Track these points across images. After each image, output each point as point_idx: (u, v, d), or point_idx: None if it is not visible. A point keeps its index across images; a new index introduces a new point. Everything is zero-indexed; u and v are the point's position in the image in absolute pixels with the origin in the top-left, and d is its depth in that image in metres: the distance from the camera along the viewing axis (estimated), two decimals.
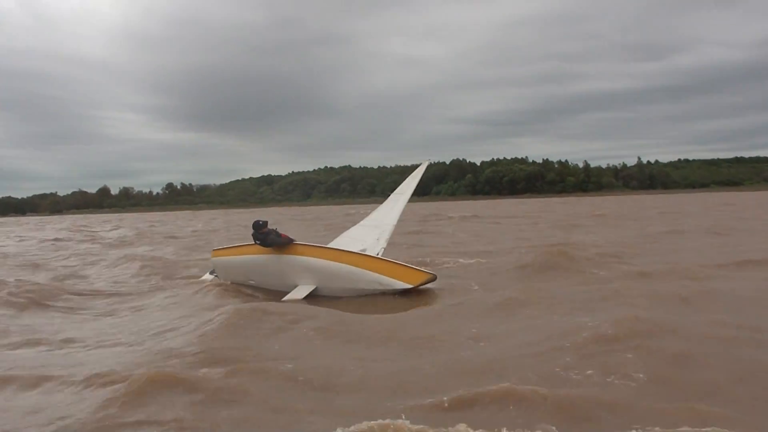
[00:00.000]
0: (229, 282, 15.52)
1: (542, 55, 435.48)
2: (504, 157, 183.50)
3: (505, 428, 5.36)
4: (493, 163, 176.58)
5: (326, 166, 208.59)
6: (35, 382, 7.28)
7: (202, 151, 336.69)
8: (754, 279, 12.29)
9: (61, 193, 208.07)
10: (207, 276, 16.59)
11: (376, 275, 14.01)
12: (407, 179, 18.43)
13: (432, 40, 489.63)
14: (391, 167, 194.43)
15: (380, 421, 5.50)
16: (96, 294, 15.22)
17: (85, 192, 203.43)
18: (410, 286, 13.73)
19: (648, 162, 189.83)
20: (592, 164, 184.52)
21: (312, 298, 13.67)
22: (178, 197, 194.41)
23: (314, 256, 14.66)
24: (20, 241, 39.15)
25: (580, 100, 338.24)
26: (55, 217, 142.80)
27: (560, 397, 5.88)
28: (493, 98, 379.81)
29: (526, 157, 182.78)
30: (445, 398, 6.05)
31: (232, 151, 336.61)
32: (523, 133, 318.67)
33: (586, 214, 45.09)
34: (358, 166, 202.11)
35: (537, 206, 77.09)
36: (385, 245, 15.59)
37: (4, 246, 34.17)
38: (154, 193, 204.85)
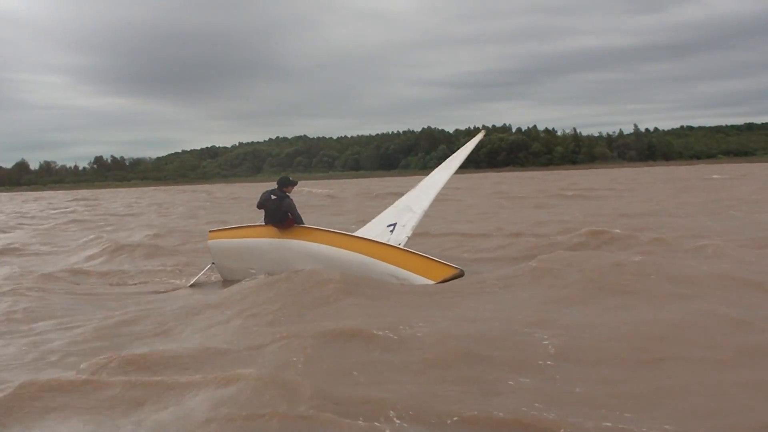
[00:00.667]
0: (228, 278, 15.46)
1: (525, 7, 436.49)
2: (484, 125, 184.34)
3: None
4: (470, 132, 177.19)
5: (278, 136, 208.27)
6: None
7: (135, 120, 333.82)
8: None
9: None
10: (199, 277, 15.97)
11: (391, 267, 13.84)
12: (459, 151, 18.03)
13: None
14: (352, 137, 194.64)
15: None
16: None
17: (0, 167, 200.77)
18: (431, 282, 13.37)
19: (647, 130, 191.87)
20: (583, 132, 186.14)
21: None
22: (108, 173, 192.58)
23: (324, 243, 14.68)
24: None
25: (568, 59, 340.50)
26: None
27: None
28: (469, 57, 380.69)
29: (508, 124, 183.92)
30: None
31: (169, 119, 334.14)
32: (503, 97, 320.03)
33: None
34: (314, 137, 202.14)
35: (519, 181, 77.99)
36: (410, 233, 15.46)
37: None
38: (81, 168, 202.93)
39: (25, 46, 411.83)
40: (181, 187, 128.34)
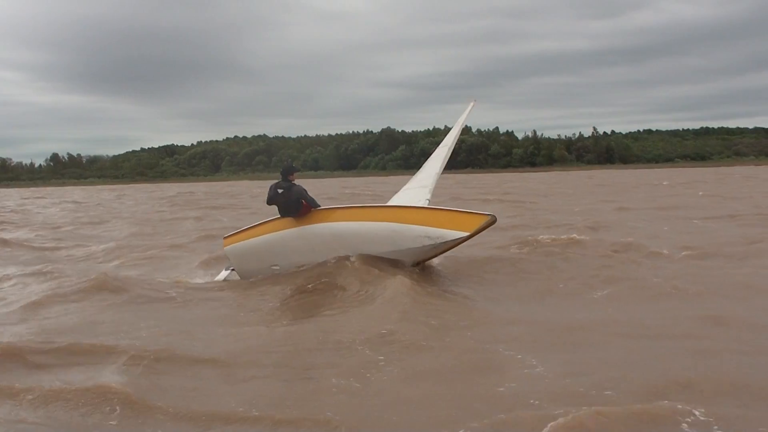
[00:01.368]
0: (249, 279, 14.99)
1: (483, 10, 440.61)
2: (446, 126, 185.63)
3: None
4: (429, 133, 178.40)
5: (237, 136, 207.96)
6: None
7: (93, 117, 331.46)
8: None
9: None
10: (222, 274, 15.78)
11: (422, 228, 13.53)
12: (454, 127, 18.01)
13: None
14: (312, 137, 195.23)
15: None
16: None
17: None
18: (467, 234, 13.28)
19: (605, 133, 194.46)
20: (543, 135, 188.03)
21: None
22: (65, 170, 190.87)
23: (347, 220, 14.30)
24: None
25: (527, 62, 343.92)
26: None
27: None
28: (428, 59, 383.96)
29: (469, 126, 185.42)
30: None
31: (127, 117, 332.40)
32: (462, 99, 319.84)
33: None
34: (274, 136, 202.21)
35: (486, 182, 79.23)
36: (429, 196, 15.69)
37: None
38: (36, 165, 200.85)
39: None
40: (139, 186, 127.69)
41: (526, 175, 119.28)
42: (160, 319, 10.97)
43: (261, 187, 78.53)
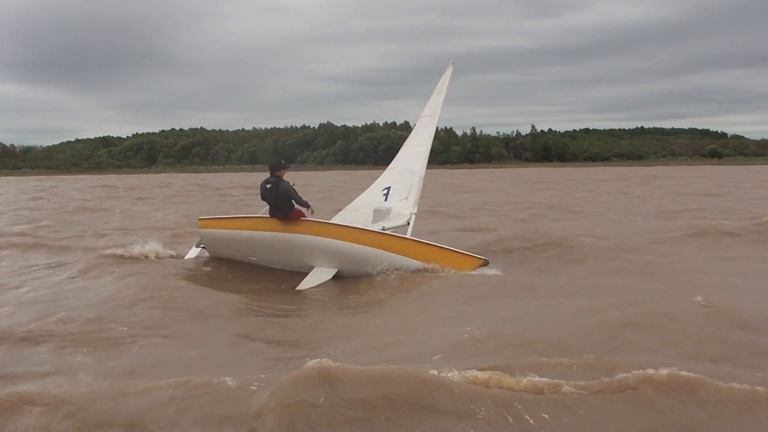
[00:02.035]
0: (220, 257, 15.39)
1: (423, 7, 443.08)
2: (386, 122, 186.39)
3: None
4: (368, 128, 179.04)
5: (174, 128, 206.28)
6: None
7: (26, 107, 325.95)
8: None
9: None
10: (192, 252, 16.03)
11: (418, 263, 13.71)
12: (432, 96, 17.48)
13: None
14: (250, 130, 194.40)
15: None
16: None
17: None
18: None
19: (542, 131, 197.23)
20: (483, 132, 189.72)
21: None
22: None
23: (342, 239, 14.23)
24: None
25: (465, 60, 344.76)
26: None
27: None
28: (367, 54, 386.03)
29: (406, 122, 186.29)
30: None
31: (62, 107, 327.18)
32: (401, 95, 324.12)
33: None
34: (211, 129, 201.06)
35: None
36: (415, 210, 15.45)
37: None
38: None
39: None
40: (74, 177, 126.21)
41: (457, 172, 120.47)
42: None
43: (196, 180, 78.48)
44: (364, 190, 17.61)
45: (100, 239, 21.15)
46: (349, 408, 5.87)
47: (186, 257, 15.90)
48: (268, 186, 14.42)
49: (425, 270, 13.46)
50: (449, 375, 6.43)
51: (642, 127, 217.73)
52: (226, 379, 6.68)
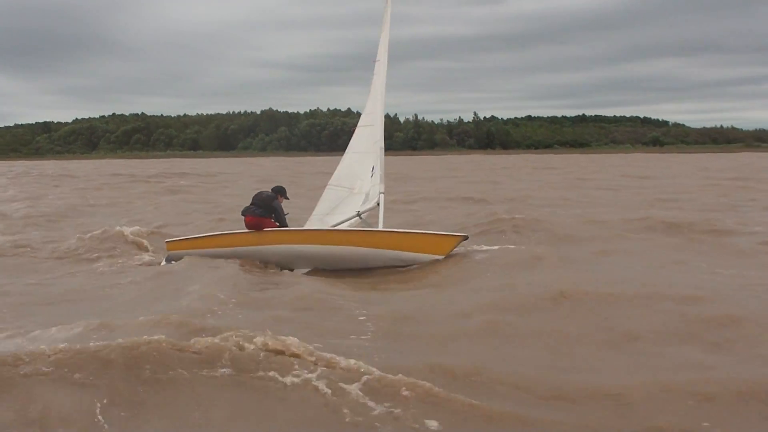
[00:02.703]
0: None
1: None
2: (329, 108, 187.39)
3: None
4: (310, 114, 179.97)
5: (115, 113, 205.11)
6: None
7: None
8: None
9: None
10: (164, 264, 15.75)
11: (394, 252, 14.13)
12: (381, 39, 17.00)
13: None
14: (192, 116, 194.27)
15: None
16: None
17: None
18: (440, 257, 14.12)
19: (485, 118, 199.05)
20: (426, 119, 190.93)
21: None
22: None
23: (313, 243, 14.53)
24: None
25: (407, 46, 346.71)
26: None
27: None
28: (309, 40, 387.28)
29: (354, 109, 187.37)
30: None
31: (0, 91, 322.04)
32: (343, 81, 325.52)
33: None
34: (152, 114, 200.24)
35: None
36: (383, 187, 15.62)
37: None
38: None
39: None
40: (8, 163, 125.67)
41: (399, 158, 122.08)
42: None
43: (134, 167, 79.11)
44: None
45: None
46: None
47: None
48: (261, 195, 15.22)
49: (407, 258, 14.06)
50: None
51: (584, 114, 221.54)
52: None
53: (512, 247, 16.10)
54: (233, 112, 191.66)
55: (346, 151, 17.19)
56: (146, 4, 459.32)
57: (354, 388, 6.90)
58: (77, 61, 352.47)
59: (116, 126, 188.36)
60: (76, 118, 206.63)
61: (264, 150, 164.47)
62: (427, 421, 6.34)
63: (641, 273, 13.15)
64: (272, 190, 15.40)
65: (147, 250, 17.37)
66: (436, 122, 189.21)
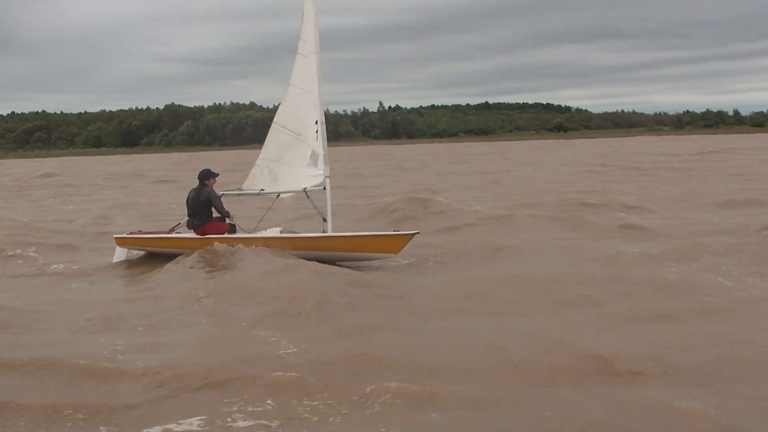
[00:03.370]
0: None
1: None
2: (231, 102, 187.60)
3: None
4: (215, 108, 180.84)
5: (14, 112, 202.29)
6: None
7: None
8: None
9: None
10: (119, 253, 16.33)
11: (348, 254, 14.97)
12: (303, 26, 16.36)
13: None
14: (94, 113, 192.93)
15: None
16: None
17: None
18: (393, 254, 14.98)
19: (390, 108, 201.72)
20: (330, 110, 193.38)
21: None
22: None
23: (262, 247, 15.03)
24: None
25: None
26: None
27: None
28: (209, 34, 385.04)
29: (257, 102, 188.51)
30: None
31: None
32: (245, 74, 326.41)
33: None
34: (53, 112, 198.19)
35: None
36: (328, 170, 15.90)
37: None
38: None
39: None
40: None
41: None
42: None
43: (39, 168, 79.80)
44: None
45: None
46: None
47: (115, 260, 16.34)
48: (189, 197, 15.53)
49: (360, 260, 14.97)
50: None
51: (487, 102, 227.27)
52: None
53: None
54: (136, 108, 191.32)
55: (290, 83, 16.75)
56: (44, 0, 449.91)
57: None
58: None
59: (16, 125, 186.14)
60: None
61: (169, 145, 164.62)
62: None
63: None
64: (199, 177, 15.65)
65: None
66: (341, 113, 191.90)
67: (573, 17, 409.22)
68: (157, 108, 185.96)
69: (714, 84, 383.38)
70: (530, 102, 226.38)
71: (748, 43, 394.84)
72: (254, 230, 16.32)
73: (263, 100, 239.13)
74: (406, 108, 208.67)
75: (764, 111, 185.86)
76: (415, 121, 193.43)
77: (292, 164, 16.34)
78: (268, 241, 15.20)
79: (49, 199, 36.55)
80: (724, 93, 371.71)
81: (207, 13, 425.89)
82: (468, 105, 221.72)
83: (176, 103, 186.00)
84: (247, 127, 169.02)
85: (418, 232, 15.50)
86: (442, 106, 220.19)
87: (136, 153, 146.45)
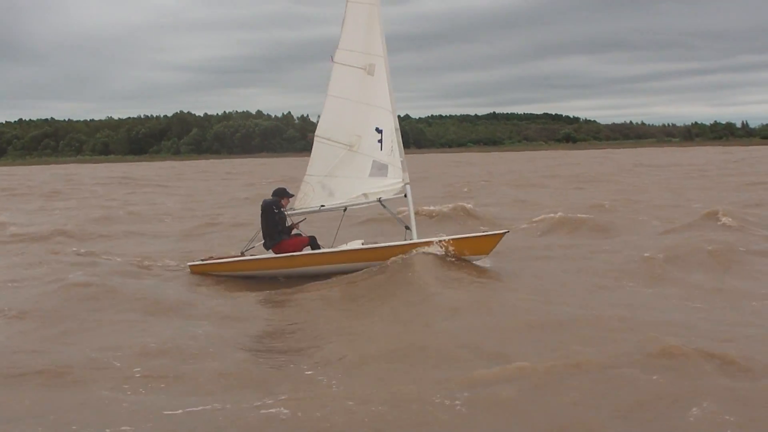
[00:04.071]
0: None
1: None
2: (237, 110, 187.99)
3: None
4: (223, 117, 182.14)
5: (22, 119, 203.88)
6: None
7: None
8: None
9: None
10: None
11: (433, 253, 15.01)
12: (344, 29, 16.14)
13: None
14: (101, 120, 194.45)
15: None
16: None
17: None
18: (485, 256, 15.28)
19: (399, 117, 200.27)
20: None
21: None
22: None
23: (339, 263, 15.16)
24: None
25: (314, 47, 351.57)
26: None
27: None
28: (217, 42, 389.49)
29: (265, 111, 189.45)
30: None
31: None
32: (253, 83, 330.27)
33: None
34: (62, 119, 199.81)
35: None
36: (407, 177, 15.92)
37: None
38: None
39: None
40: None
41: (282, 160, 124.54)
42: None
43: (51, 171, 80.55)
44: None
45: None
46: None
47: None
48: (262, 218, 15.60)
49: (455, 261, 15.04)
50: None
51: (495, 112, 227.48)
52: None
53: None
54: (143, 115, 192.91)
55: (327, 93, 16.34)
56: (49, 8, 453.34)
57: None
58: None
59: (24, 132, 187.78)
60: None
61: (177, 153, 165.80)
62: None
63: None
64: (273, 194, 15.87)
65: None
66: None
67: (580, 28, 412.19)
68: (165, 116, 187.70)
69: (721, 96, 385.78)
70: (538, 113, 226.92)
71: (756, 55, 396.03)
72: (332, 246, 16.01)
73: (271, 109, 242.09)
74: (414, 118, 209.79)
75: None
76: (423, 130, 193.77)
77: (347, 176, 16.04)
78: (357, 255, 15.14)
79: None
80: (731, 105, 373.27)
81: (212, 21, 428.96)
82: (476, 115, 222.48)
83: (184, 110, 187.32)
84: (255, 135, 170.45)
85: (508, 231, 15.87)
86: (450, 116, 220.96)
87: (145, 161, 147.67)
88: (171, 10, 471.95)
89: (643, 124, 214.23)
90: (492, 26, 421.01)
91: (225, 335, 11.39)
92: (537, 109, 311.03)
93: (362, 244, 15.80)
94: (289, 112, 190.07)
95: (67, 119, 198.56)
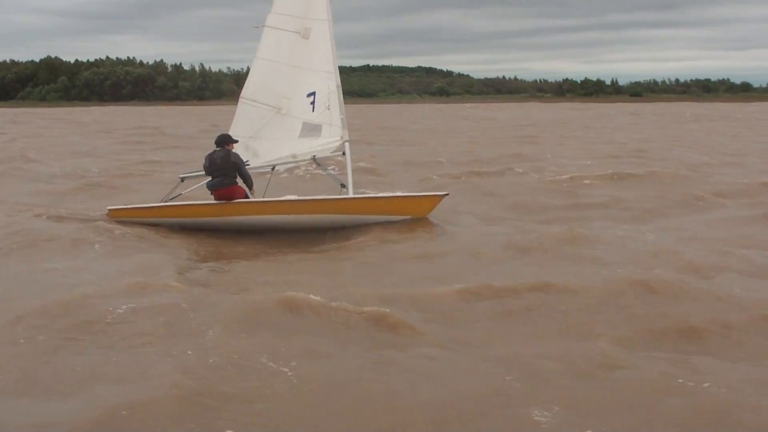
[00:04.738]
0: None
1: None
2: (107, 56, 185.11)
3: None
4: (93, 63, 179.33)
5: None
6: None
7: None
8: None
9: None
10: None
11: (371, 217, 14.57)
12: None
13: None
14: None
15: None
16: None
17: None
18: (421, 217, 14.78)
19: None
20: (212, 69, 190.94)
21: None
22: None
23: (285, 213, 14.55)
24: None
25: None
26: None
27: None
28: None
29: (135, 58, 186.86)
30: None
31: None
32: (123, 29, 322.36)
33: None
34: None
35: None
36: (347, 135, 15.72)
37: None
38: None
39: None
40: None
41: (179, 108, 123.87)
42: None
43: None
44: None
45: None
46: None
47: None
48: (216, 157, 14.53)
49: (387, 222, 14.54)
50: None
51: (369, 65, 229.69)
52: None
53: None
54: (10, 60, 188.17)
55: (256, 56, 16.02)
56: None
57: None
58: None
59: None
60: None
61: (44, 99, 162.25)
62: None
63: None
64: (218, 143, 14.86)
65: None
66: (223, 71, 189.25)
67: None
68: (33, 61, 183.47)
69: (591, 53, 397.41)
70: (412, 66, 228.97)
71: (625, 14, 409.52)
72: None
73: (143, 56, 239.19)
74: None
75: (641, 81, 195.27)
76: None
77: (275, 138, 15.79)
78: (291, 206, 14.75)
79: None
80: (601, 63, 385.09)
81: None
82: (351, 67, 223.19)
83: (52, 56, 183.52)
84: (126, 83, 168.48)
85: (447, 194, 15.59)
86: None
87: (11, 107, 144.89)
88: None
89: (516, 79, 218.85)
90: None
91: None
92: (411, 62, 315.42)
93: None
94: (162, 60, 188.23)
95: None
